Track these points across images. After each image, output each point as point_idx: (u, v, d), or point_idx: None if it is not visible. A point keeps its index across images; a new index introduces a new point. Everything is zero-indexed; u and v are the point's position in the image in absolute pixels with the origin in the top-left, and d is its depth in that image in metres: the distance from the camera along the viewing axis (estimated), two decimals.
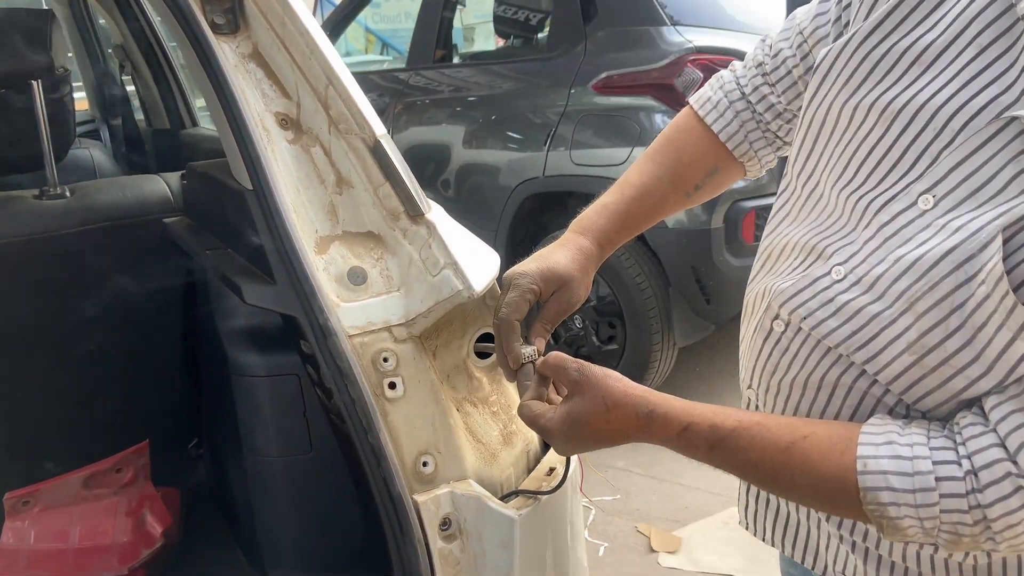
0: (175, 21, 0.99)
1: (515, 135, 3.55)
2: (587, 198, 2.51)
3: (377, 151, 1.01)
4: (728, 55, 2.94)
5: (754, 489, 0.99)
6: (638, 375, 3.30)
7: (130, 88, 2.64)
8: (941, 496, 0.68)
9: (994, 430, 0.67)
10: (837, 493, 0.72)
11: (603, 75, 3.20)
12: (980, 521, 0.67)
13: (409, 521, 0.89)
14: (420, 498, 0.91)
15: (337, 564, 1.27)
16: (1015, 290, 0.63)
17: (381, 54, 9.18)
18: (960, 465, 0.67)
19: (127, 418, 1.41)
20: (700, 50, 2.96)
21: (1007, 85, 0.68)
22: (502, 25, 4.03)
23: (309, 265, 0.92)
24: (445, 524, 0.93)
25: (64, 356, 1.37)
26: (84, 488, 1.29)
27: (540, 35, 3.82)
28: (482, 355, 1.06)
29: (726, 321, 3.20)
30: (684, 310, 3.22)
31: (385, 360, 0.94)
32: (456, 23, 4.64)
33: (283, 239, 0.93)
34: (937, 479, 0.68)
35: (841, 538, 0.86)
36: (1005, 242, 0.64)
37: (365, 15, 8.02)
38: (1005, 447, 0.66)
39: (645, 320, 3.24)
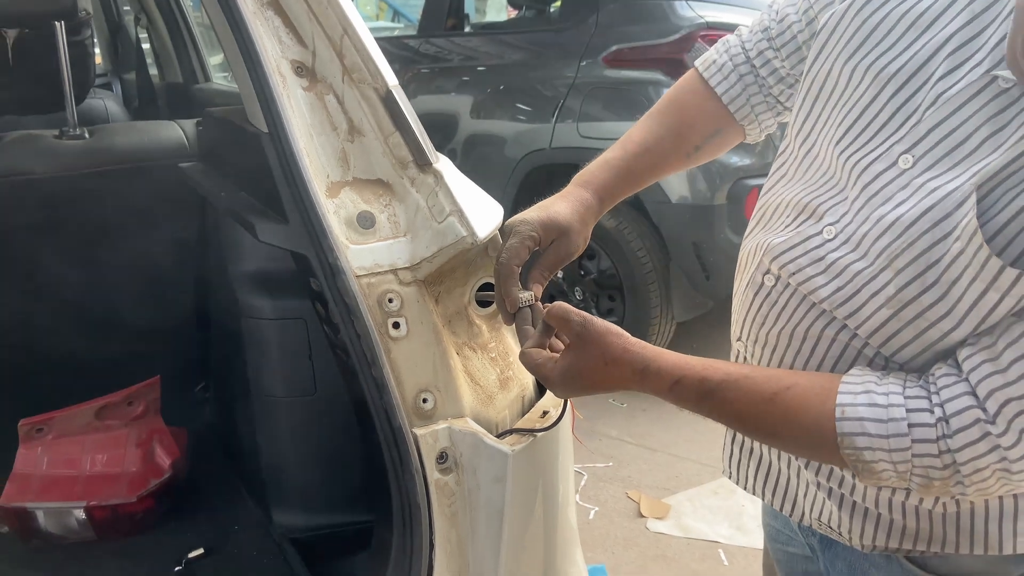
0: None
1: (523, 106, 3.56)
2: None
3: (389, 101, 1.04)
4: None
5: (739, 439, 1.03)
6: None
7: (144, 45, 2.67)
8: (913, 441, 0.72)
9: (966, 379, 0.71)
10: (817, 439, 0.76)
11: (613, 48, 3.21)
12: (950, 465, 0.71)
13: (408, 452, 0.94)
14: (419, 431, 0.96)
15: (337, 501, 1.32)
16: (988, 242, 0.67)
17: (392, 22, 9.15)
18: (932, 412, 0.72)
19: (138, 357, 1.46)
20: (711, 26, 2.97)
21: (993, 47, 0.72)
22: None
23: (320, 207, 0.96)
24: (442, 457, 0.97)
25: (78, 292, 1.41)
26: (96, 419, 1.34)
27: (552, 7, 3.82)
28: (483, 303, 1.10)
29: (725, 298, 3.23)
30: (684, 285, 3.25)
31: (390, 301, 0.98)
32: None
33: (296, 181, 0.96)
34: (910, 425, 0.72)
35: (819, 485, 0.91)
36: (980, 200, 0.68)
37: None
38: (975, 395, 0.70)
39: (645, 294, 3.28)
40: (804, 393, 0.78)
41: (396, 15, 9.21)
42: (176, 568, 1.26)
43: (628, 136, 1.08)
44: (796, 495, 0.96)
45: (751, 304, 0.91)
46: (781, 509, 0.99)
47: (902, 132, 0.77)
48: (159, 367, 1.49)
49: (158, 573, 1.26)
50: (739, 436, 1.04)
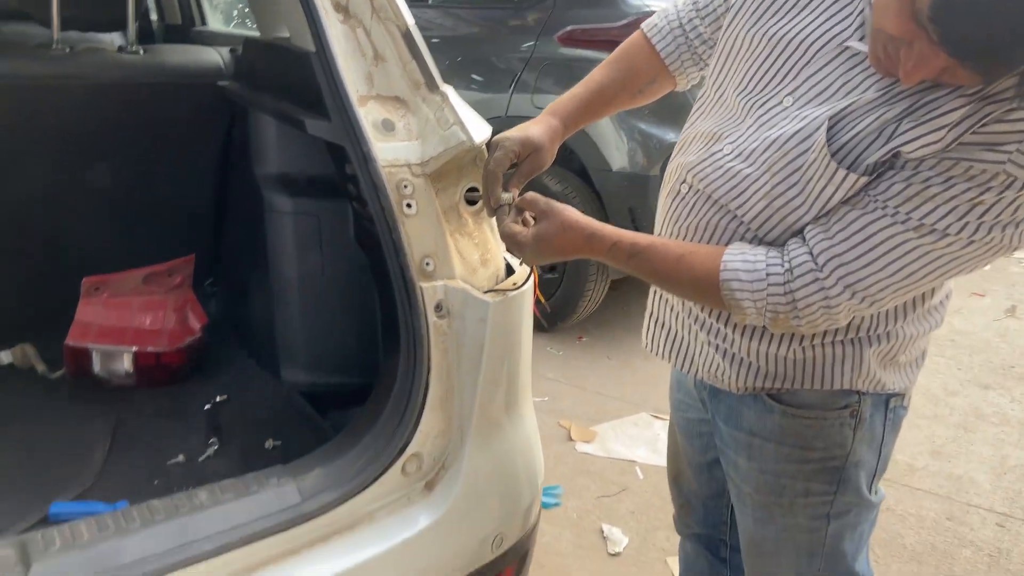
0: None
1: (481, 77, 3.85)
2: None
3: (408, 36, 1.34)
4: None
5: (654, 315, 1.38)
6: (572, 303, 3.71)
7: None
8: (769, 284, 1.08)
9: (807, 244, 1.08)
10: (708, 286, 1.12)
11: (568, 28, 3.53)
12: (791, 303, 1.07)
13: (416, 298, 1.25)
14: (423, 285, 1.27)
15: (336, 365, 1.63)
16: (833, 154, 1.03)
17: None
18: (783, 266, 1.08)
19: (166, 247, 1.73)
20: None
21: (848, 24, 1.07)
22: None
23: (356, 110, 1.26)
24: (439, 307, 1.29)
25: (126, 183, 1.67)
26: (143, 284, 1.60)
27: None
28: (470, 202, 1.42)
29: None
30: None
31: (405, 187, 1.29)
32: None
33: (338, 88, 1.26)
34: (767, 274, 1.08)
35: (708, 342, 1.27)
36: (832, 127, 1.04)
37: None
38: (812, 254, 1.06)
39: None
40: (701, 255, 1.13)
41: None
42: (205, 407, 1.55)
43: (590, 77, 1.42)
44: (693, 354, 1.32)
45: (670, 207, 1.26)
46: (682, 368, 1.35)
47: (786, 81, 1.12)
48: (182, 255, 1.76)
49: (190, 411, 1.54)
50: (654, 313, 1.39)
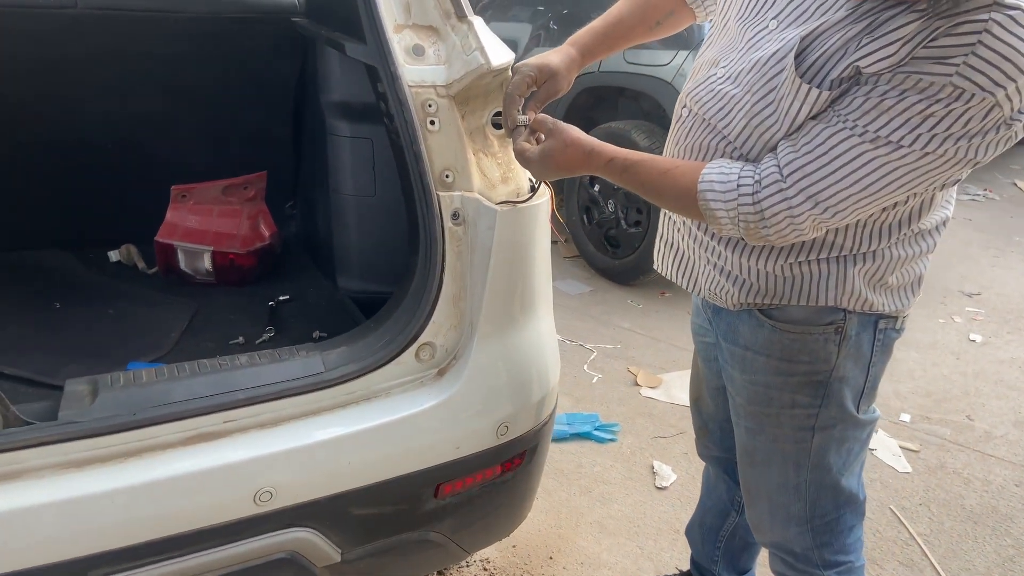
0: None
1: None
2: (636, 95, 3.16)
3: None
4: None
5: (664, 237, 1.48)
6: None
7: None
8: (739, 195, 1.16)
9: (776, 157, 1.15)
10: (688, 198, 1.21)
11: None
12: (758, 212, 1.15)
13: (433, 205, 1.41)
14: (442, 194, 1.43)
15: (384, 275, 1.82)
16: (801, 75, 1.10)
17: None
18: (754, 178, 1.16)
19: (250, 164, 1.98)
20: None
21: None
22: None
23: (389, 36, 1.43)
24: (455, 215, 1.44)
25: (212, 106, 1.92)
26: (222, 194, 1.86)
27: None
28: (497, 126, 1.56)
29: None
30: None
31: (429, 106, 1.44)
32: None
33: (375, 18, 1.43)
34: (738, 185, 1.16)
35: (707, 260, 1.36)
36: (804, 48, 1.11)
37: None
38: (779, 166, 1.14)
39: None
40: (685, 169, 1.23)
41: None
42: (270, 303, 1.78)
43: (609, 11, 1.52)
44: (697, 274, 1.41)
45: (674, 132, 1.36)
46: (688, 287, 1.44)
47: (774, 5, 1.20)
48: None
49: (256, 306, 1.79)
50: (664, 234, 1.49)
